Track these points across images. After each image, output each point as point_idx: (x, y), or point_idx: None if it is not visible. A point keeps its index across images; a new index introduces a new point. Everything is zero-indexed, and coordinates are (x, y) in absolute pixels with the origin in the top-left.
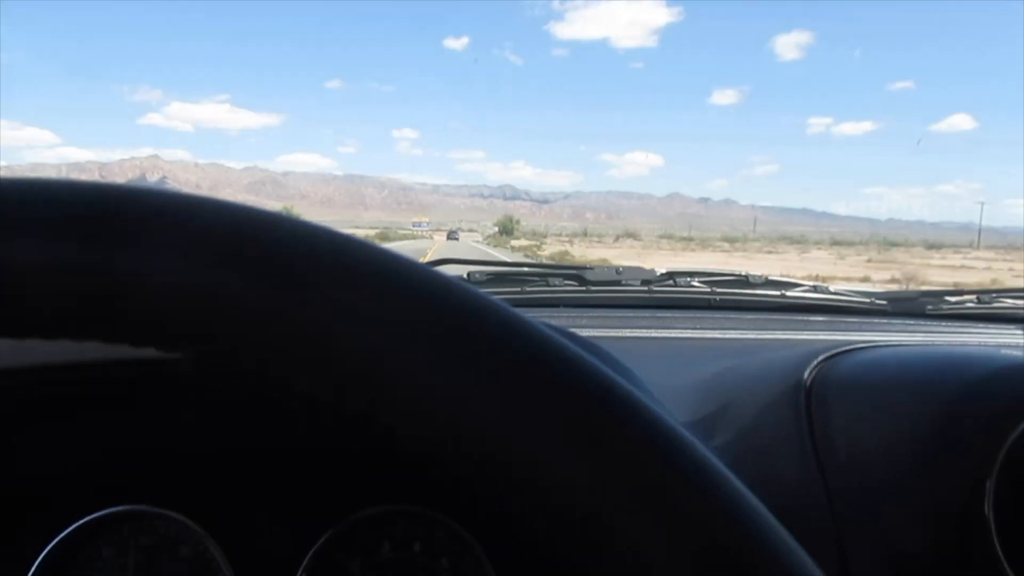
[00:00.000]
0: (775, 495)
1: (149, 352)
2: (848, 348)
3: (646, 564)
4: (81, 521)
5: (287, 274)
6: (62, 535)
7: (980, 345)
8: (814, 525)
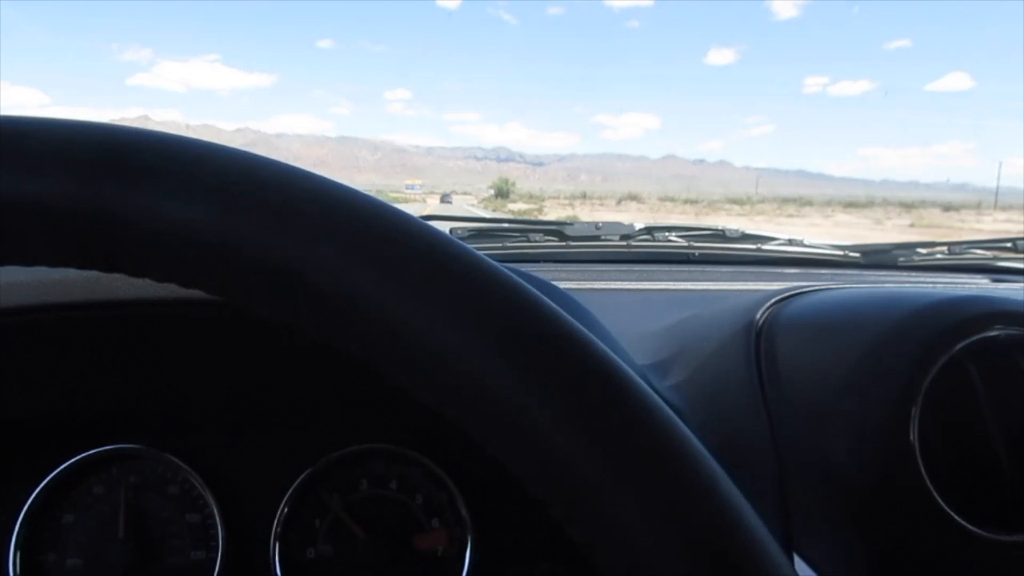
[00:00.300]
0: (725, 423)
1: (131, 291)
2: (799, 291)
3: (613, 518)
4: (71, 460)
5: (264, 209)
6: (53, 474)
7: None
8: (757, 448)
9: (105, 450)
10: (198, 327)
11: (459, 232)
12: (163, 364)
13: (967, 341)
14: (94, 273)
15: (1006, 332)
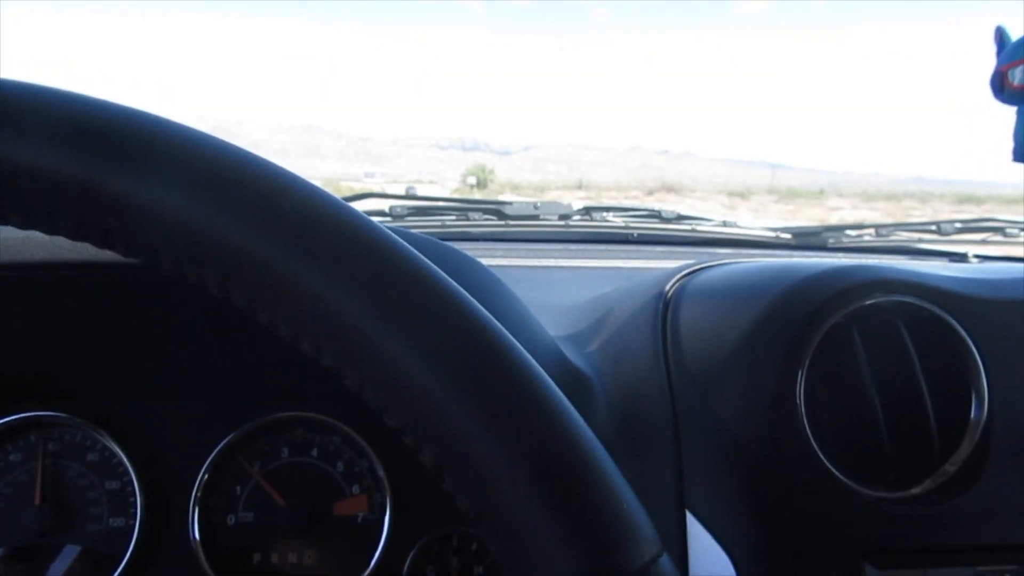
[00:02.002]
0: (629, 389)
1: (44, 254)
2: (707, 264)
3: (494, 477)
4: None
5: (162, 166)
6: None
7: None
8: (656, 412)
9: (22, 417)
10: (115, 291)
11: (398, 210)
12: (81, 329)
13: (849, 308)
14: (3, 234)
15: (888, 299)
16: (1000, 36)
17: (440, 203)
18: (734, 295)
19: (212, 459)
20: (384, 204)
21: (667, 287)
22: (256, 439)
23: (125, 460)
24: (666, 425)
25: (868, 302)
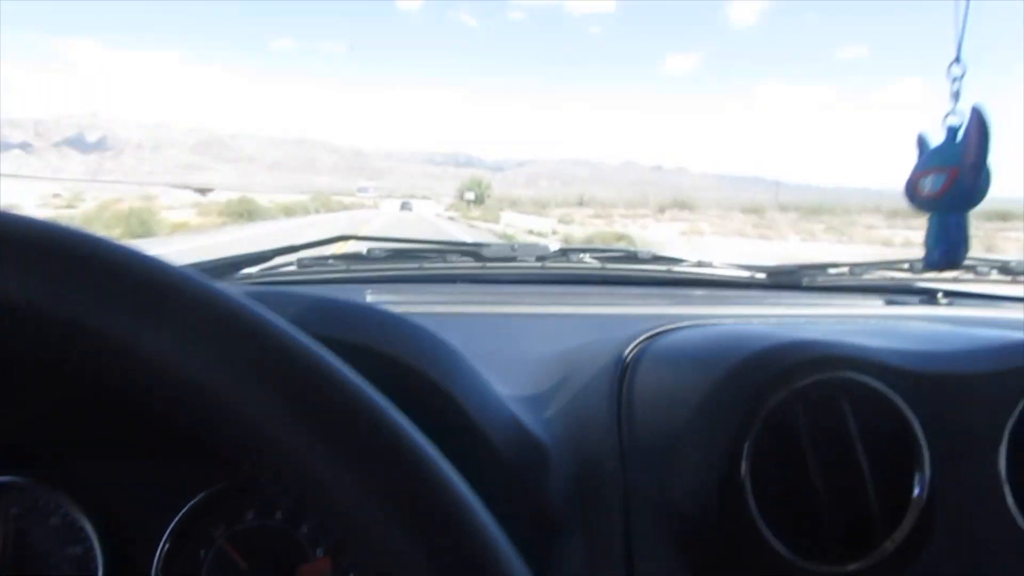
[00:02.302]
0: (584, 455)
1: None
2: (670, 327)
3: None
4: None
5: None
6: None
7: (839, 316)
8: (607, 478)
9: None
10: (50, 372)
11: (376, 253)
12: (43, 393)
13: (792, 387)
14: None
15: (832, 375)
16: (921, 144)
17: (418, 245)
18: (686, 366)
19: (175, 524)
20: (363, 247)
21: (626, 351)
22: (220, 502)
23: (87, 525)
24: (616, 495)
25: (811, 379)
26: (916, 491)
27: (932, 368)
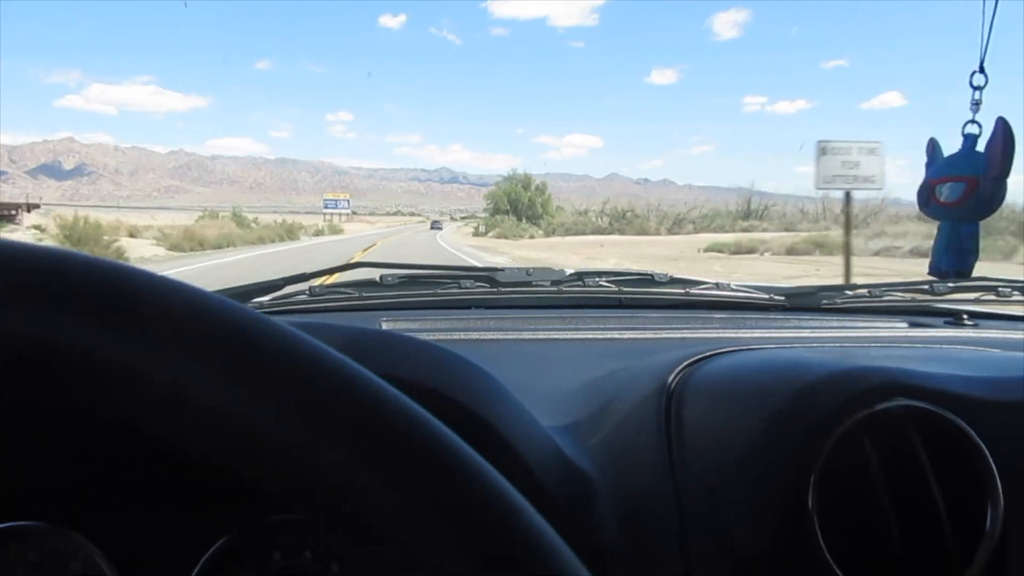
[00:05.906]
0: (633, 488)
1: None
2: (711, 352)
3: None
4: None
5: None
6: None
7: (864, 338)
8: (661, 513)
9: (1, 528)
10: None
11: (388, 279)
12: (70, 438)
13: (860, 414)
14: None
15: (897, 404)
16: (932, 149)
17: (430, 271)
18: (739, 395)
19: (200, 566)
20: (375, 273)
21: (670, 379)
22: (246, 544)
23: (109, 570)
24: (672, 531)
25: (878, 408)
26: (988, 524)
27: (999, 396)
